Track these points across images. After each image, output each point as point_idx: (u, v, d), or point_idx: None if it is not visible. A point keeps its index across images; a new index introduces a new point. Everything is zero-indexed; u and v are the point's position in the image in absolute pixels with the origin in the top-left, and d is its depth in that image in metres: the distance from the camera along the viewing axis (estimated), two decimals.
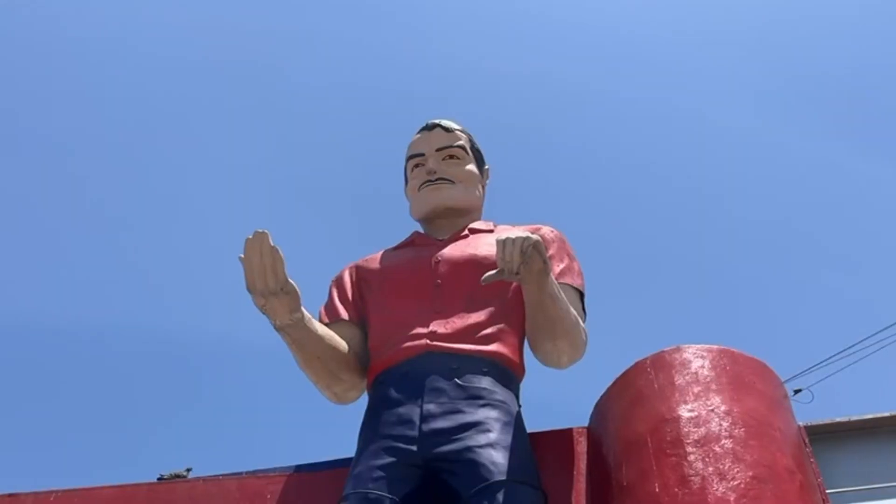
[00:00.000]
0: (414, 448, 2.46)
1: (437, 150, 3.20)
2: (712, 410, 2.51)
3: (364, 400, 2.84)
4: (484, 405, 2.54)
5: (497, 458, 2.39)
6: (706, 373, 2.64)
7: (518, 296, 2.79)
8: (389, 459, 2.45)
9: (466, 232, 3.08)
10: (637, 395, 2.67)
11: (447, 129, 3.24)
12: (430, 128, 3.26)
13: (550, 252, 2.93)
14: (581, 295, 2.93)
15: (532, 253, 2.47)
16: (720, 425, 2.46)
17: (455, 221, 3.14)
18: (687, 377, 2.63)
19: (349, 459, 2.67)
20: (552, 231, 3.05)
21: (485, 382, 2.61)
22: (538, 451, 2.65)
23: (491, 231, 3.09)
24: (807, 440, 2.72)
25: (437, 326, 2.71)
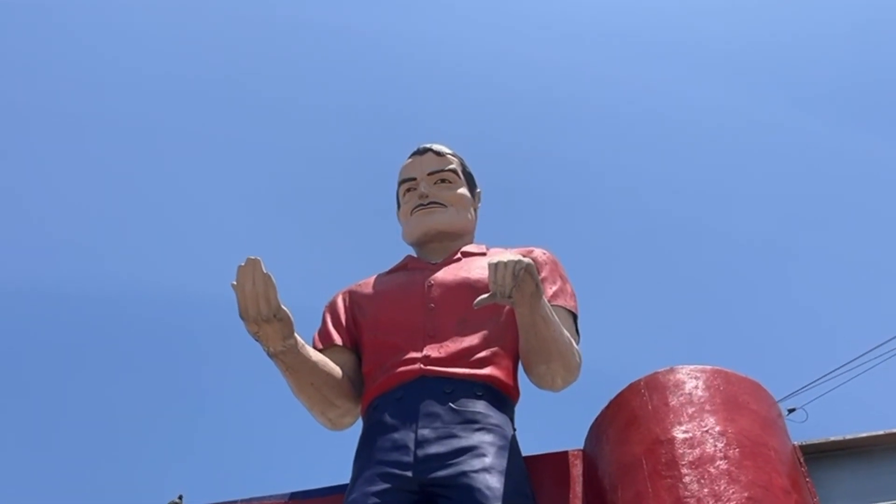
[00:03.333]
0: (409, 474, 2.45)
1: (429, 174, 3.21)
2: (707, 431, 2.51)
3: (359, 425, 2.83)
4: (479, 429, 2.54)
5: (492, 483, 2.38)
6: (700, 393, 2.64)
7: (511, 318, 2.79)
8: (384, 486, 2.44)
9: (459, 255, 3.08)
10: (632, 416, 2.67)
11: (438, 154, 3.26)
12: (421, 152, 3.28)
13: (543, 274, 2.93)
14: (574, 317, 2.94)
15: (524, 276, 2.48)
16: (715, 446, 2.45)
17: (447, 245, 3.15)
18: (681, 398, 2.63)
19: (344, 486, 2.66)
20: (544, 253, 3.06)
21: (479, 406, 2.60)
22: (534, 475, 2.64)
23: (483, 254, 3.10)
24: (802, 460, 2.72)
25: (431, 350, 2.71)
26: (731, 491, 2.31)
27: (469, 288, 2.83)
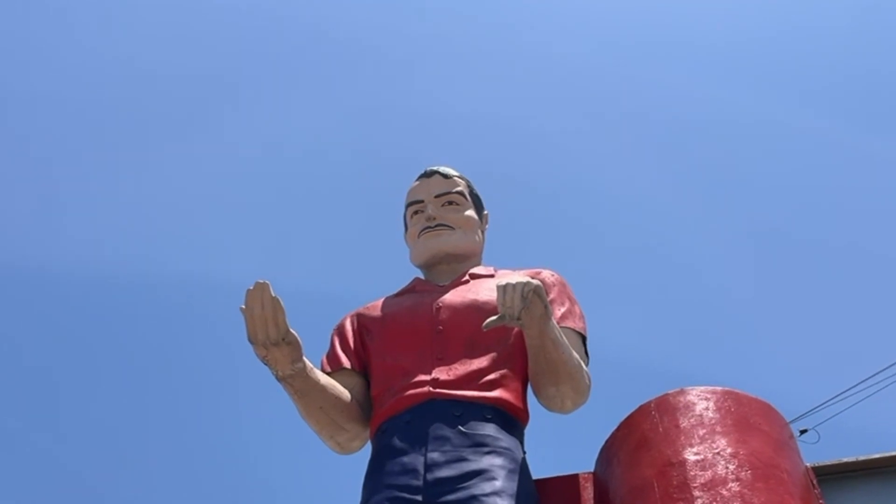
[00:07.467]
0: (419, 498, 2.43)
1: (436, 196, 3.22)
2: (718, 453, 2.48)
3: (368, 449, 2.82)
4: (489, 452, 2.52)
5: None
6: (711, 415, 2.62)
7: (520, 341, 2.78)
8: None
9: (467, 277, 3.08)
10: (642, 438, 2.65)
11: (445, 176, 3.27)
12: (428, 174, 3.28)
13: (551, 296, 2.93)
14: (583, 338, 2.93)
15: (532, 298, 2.47)
16: (727, 468, 2.43)
17: (455, 267, 3.15)
18: (692, 420, 2.62)
19: None
20: (553, 275, 3.05)
21: (489, 429, 2.59)
22: (544, 498, 2.62)
23: (491, 276, 3.09)
24: (815, 481, 2.69)
25: (440, 373, 2.70)
26: None
27: (477, 310, 2.82)
